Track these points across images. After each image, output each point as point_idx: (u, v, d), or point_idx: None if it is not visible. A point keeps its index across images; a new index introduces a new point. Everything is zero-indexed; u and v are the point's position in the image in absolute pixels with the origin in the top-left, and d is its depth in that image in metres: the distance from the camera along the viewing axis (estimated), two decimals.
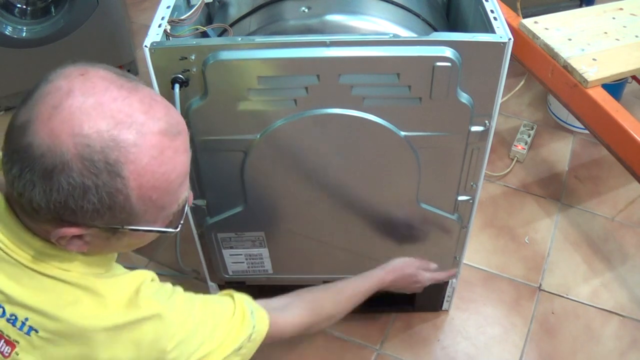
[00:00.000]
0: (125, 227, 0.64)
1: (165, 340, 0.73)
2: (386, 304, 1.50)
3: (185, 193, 0.69)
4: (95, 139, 0.58)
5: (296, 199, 1.15)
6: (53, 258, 0.67)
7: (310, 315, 1.01)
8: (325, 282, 1.33)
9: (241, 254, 1.27)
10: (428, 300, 1.46)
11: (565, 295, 1.54)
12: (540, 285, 1.56)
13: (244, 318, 0.85)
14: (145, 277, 0.75)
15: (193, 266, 1.43)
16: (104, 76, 0.62)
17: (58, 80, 0.61)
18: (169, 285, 0.79)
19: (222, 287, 1.36)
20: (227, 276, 1.32)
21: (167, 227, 0.69)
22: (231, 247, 1.25)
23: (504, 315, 1.50)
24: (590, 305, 1.51)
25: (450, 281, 1.38)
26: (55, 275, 0.67)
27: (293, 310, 0.98)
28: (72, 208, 0.60)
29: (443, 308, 1.49)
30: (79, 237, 0.64)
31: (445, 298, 1.46)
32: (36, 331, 0.66)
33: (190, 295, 0.81)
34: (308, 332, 1.03)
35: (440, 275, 1.26)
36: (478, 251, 1.63)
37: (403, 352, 1.43)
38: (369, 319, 1.49)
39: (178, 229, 0.71)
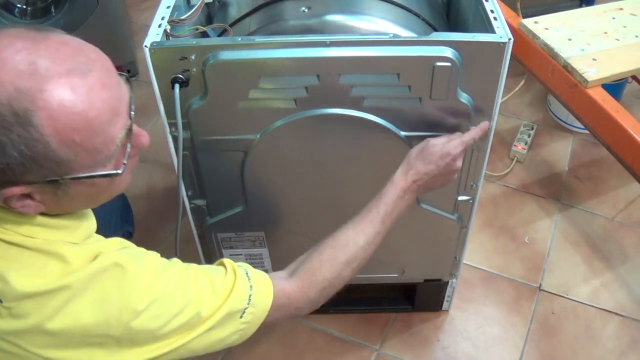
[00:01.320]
0: (64, 177, 0.63)
1: (135, 297, 0.68)
2: (386, 304, 1.50)
3: (122, 131, 0.66)
4: None
5: (296, 199, 1.15)
6: (7, 222, 0.66)
7: (324, 271, 0.86)
8: None
9: (241, 254, 1.26)
10: (428, 300, 1.46)
11: (565, 295, 1.54)
12: (540, 285, 1.56)
13: (237, 279, 0.78)
14: (116, 241, 0.73)
15: None
16: (10, 34, 0.60)
17: None
18: (143, 249, 0.75)
19: None
20: None
21: (110, 169, 0.66)
22: (231, 247, 1.25)
23: (504, 315, 1.50)
24: (590, 305, 1.51)
25: (450, 281, 1.38)
26: (20, 243, 0.66)
27: (302, 274, 0.86)
28: None
29: (443, 308, 1.49)
30: (28, 197, 0.63)
31: (445, 298, 1.46)
32: (0, 301, 0.65)
33: (173, 259, 0.77)
34: (333, 288, 0.87)
35: (470, 134, 0.97)
36: (478, 251, 1.63)
37: (403, 352, 1.43)
38: (369, 319, 1.49)
39: (121, 170, 0.67)
